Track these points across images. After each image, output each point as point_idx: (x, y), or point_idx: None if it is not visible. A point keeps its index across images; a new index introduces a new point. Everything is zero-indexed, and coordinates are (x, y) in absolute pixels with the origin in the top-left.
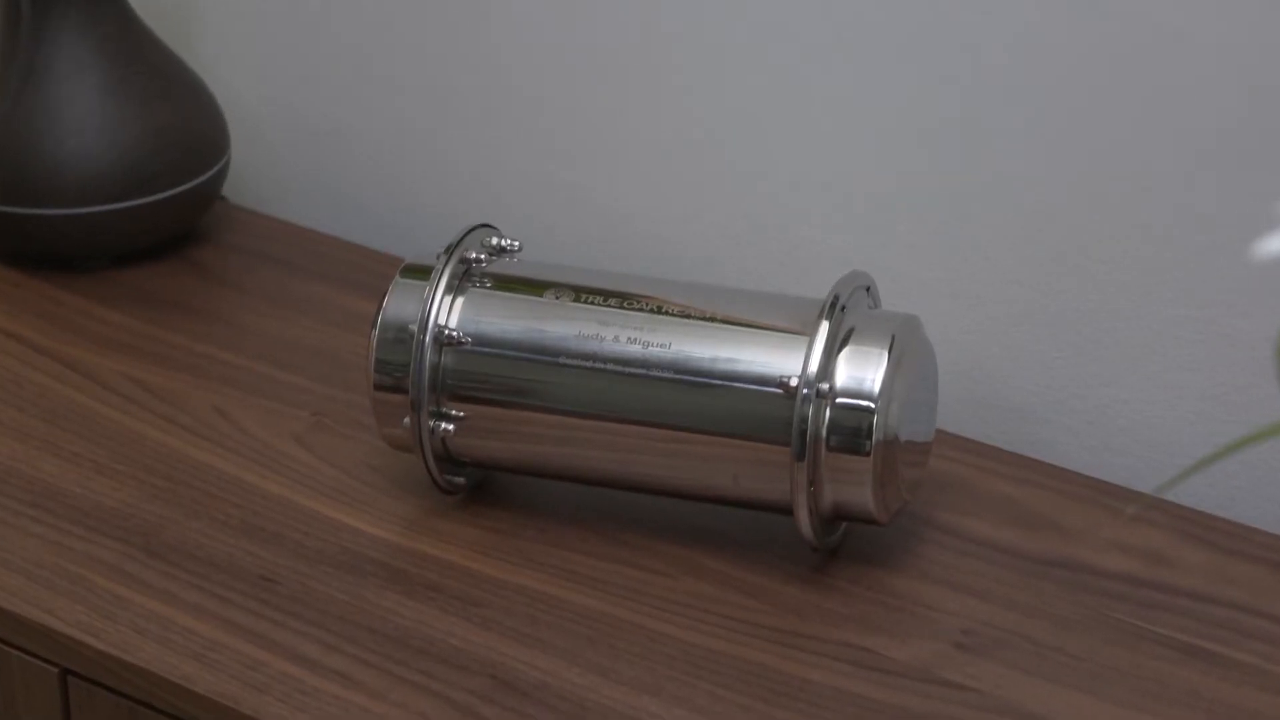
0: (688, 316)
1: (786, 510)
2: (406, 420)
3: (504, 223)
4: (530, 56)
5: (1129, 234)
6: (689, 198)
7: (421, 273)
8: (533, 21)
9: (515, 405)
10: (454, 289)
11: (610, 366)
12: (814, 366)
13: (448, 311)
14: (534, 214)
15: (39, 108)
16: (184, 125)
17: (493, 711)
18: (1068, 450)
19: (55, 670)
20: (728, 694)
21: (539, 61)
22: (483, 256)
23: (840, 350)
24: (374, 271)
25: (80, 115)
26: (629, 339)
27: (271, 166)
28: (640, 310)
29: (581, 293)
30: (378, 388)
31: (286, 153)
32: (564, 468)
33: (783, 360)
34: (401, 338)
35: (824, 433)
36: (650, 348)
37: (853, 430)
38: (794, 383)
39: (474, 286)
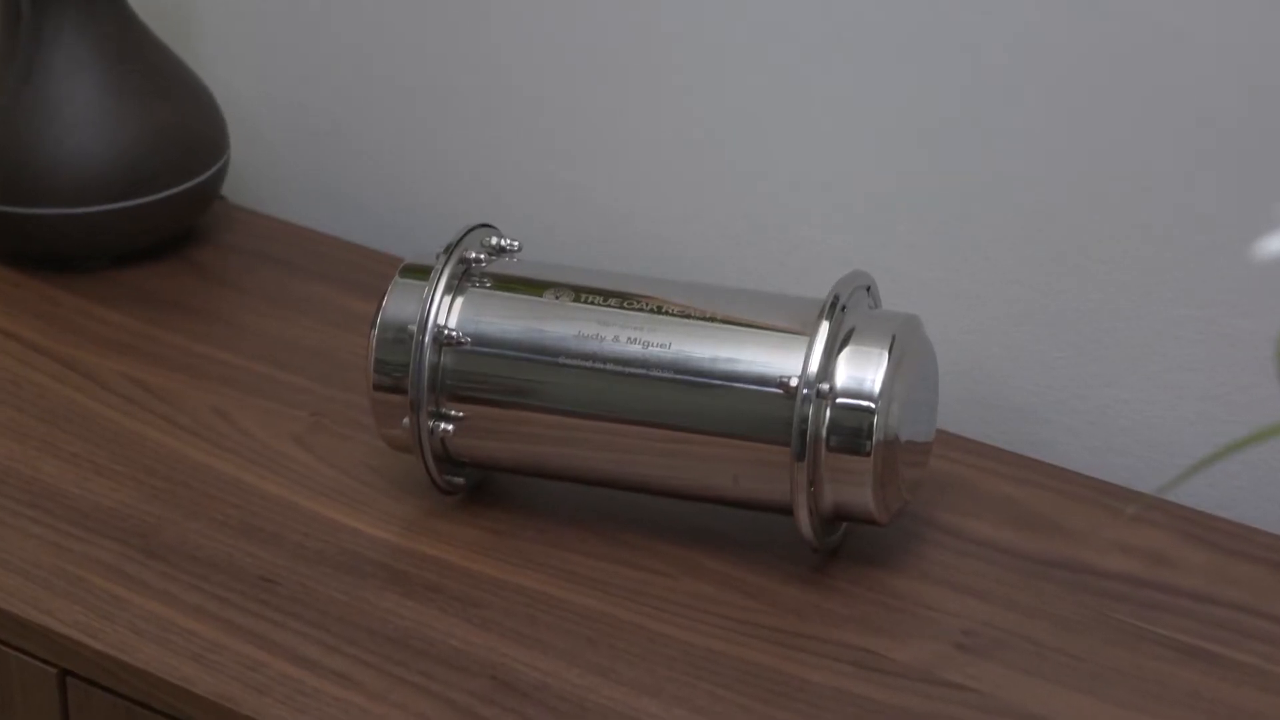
0: (688, 316)
1: (786, 510)
2: (406, 420)
3: (504, 223)
4: (530, 56)
5: (1129, 234)
6: (689, 198)
7: (421, 273)
8: (533, 21)
9: (515, 405)
10: (453, 289)
11: (610, 366)
12: (814, 366)
13: (447, 311)
14: (534, 214)
15: (38, 107)
16: (183, 124)
17: (493, 712)
18: (1068, 450)
19: (54, 671)
20: (728, 694)
21: (539, 61)
22: (482, 256)
23: (840, 350)
24: (373, 271)
25: (79, 114)
26: (629, 339)
27: (271, 166)
28: (640, 310)
29: (581, 293)
30: (377, 388)
31: (286, 152)
32: (564, 468)
33: (783, 360)
34: (401, 338)
35: (824, 433)
36: (650, 348)
37: (853, 430)
38: (794, 383)
39: (474, 286)
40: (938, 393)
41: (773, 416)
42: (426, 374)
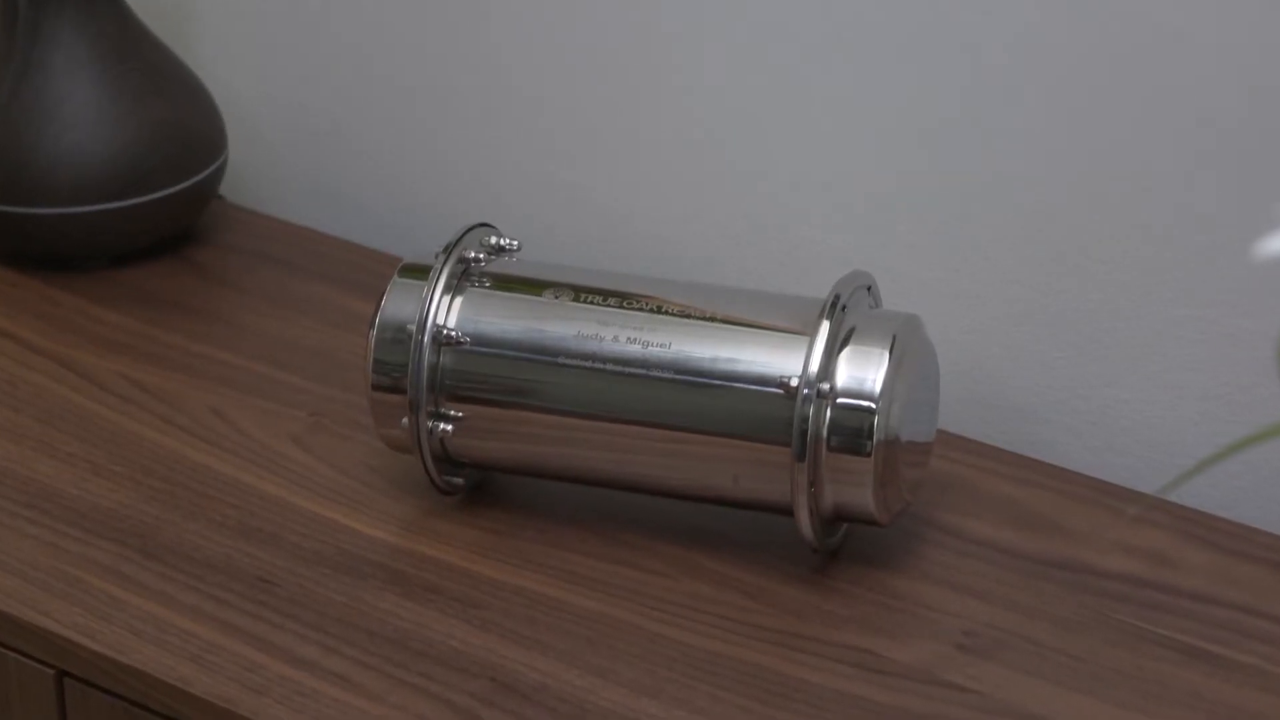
0: (688, 316)
1: (787, 511)
2: (405, 421)
3: (504, 223)
4: (530, 56)
5: (1129, 234)
6: (689, 198)
7: (420, 272)
8: (533, 21)
9: (514, 405)
10: (453, 289)
11: (610, 366)
12: (814, 366)
13: (446, 311)
14: (534, 214)
15: (36, 106)
16: (180, 123)
17: (492, 714)
18: (1069, 450)
19: (51, 672)
20: (727, 695)
21: (539, 61)
22: (481, 256)
23: (841, 350)
24: (373, 271)
25: (77, 113)
26: (629, 339)
27: (270, 166)
28: (640, 310)
29: (581, 292)
30: (376, 388)
31: (285, 152)
32: (563, 468)
33: (783, 360)
34: (400, 338)
35: (824, 433)
36: (650, 348)
37: (853, 431)
38: (794, 383)
39: (473, 286)
40: (938, 393)
41: (773, 416)
42: (425, 374)
